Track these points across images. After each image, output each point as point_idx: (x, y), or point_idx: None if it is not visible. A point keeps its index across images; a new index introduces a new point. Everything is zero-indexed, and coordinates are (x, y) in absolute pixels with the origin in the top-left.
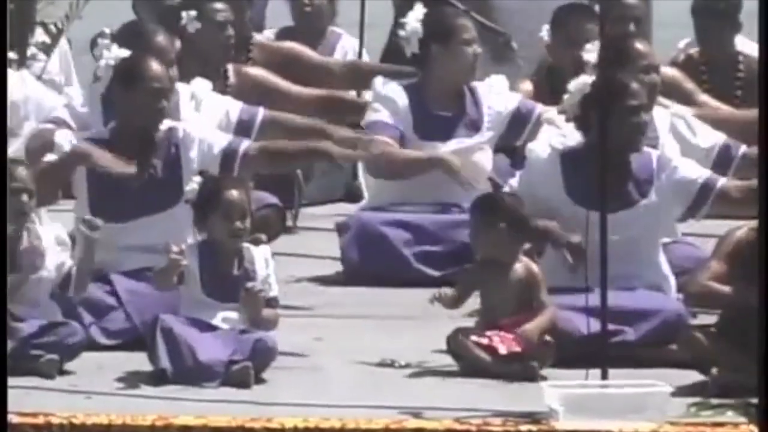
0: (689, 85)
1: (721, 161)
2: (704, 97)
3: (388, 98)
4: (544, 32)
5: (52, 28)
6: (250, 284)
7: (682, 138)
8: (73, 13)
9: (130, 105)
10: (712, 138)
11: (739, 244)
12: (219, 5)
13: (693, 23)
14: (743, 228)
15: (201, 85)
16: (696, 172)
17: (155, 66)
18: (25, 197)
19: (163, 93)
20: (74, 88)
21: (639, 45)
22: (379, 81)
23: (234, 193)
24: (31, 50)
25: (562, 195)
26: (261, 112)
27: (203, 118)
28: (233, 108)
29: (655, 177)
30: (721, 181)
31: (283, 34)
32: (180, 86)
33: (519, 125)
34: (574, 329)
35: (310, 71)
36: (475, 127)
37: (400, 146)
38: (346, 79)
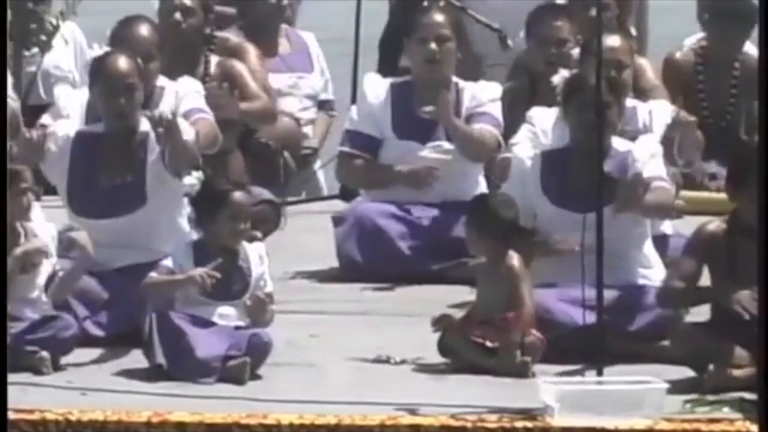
0: (650, 76)
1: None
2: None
3: (365, 97)
4: (521, 36)
5: (48, 25)
6: (259, 292)
7: (654, 130)
8: (69, 10)
9: (98, 103)
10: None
11: (712, 239)
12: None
13: (708, 23)
14: (714, 222)
15: (187, 84)
16: (638, 170)
17: (120, 64)
18: (30, 197)
19: (125, 89)
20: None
21: (608, 41)
22: (367, 78)
23: (240, 195)
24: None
25: (539, 194)
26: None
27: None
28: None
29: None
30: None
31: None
32: (168, 83)
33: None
34: (570, 321)
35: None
36: None
37: (376, 148)
38: (255, 118)
